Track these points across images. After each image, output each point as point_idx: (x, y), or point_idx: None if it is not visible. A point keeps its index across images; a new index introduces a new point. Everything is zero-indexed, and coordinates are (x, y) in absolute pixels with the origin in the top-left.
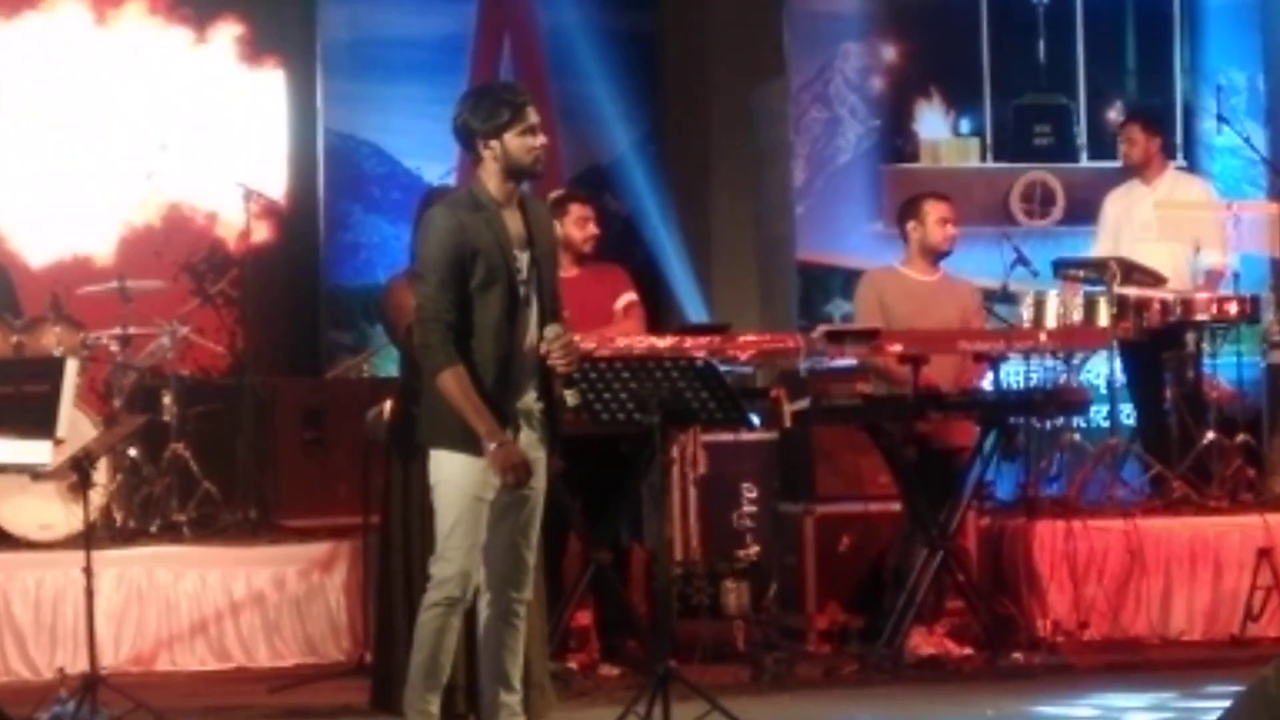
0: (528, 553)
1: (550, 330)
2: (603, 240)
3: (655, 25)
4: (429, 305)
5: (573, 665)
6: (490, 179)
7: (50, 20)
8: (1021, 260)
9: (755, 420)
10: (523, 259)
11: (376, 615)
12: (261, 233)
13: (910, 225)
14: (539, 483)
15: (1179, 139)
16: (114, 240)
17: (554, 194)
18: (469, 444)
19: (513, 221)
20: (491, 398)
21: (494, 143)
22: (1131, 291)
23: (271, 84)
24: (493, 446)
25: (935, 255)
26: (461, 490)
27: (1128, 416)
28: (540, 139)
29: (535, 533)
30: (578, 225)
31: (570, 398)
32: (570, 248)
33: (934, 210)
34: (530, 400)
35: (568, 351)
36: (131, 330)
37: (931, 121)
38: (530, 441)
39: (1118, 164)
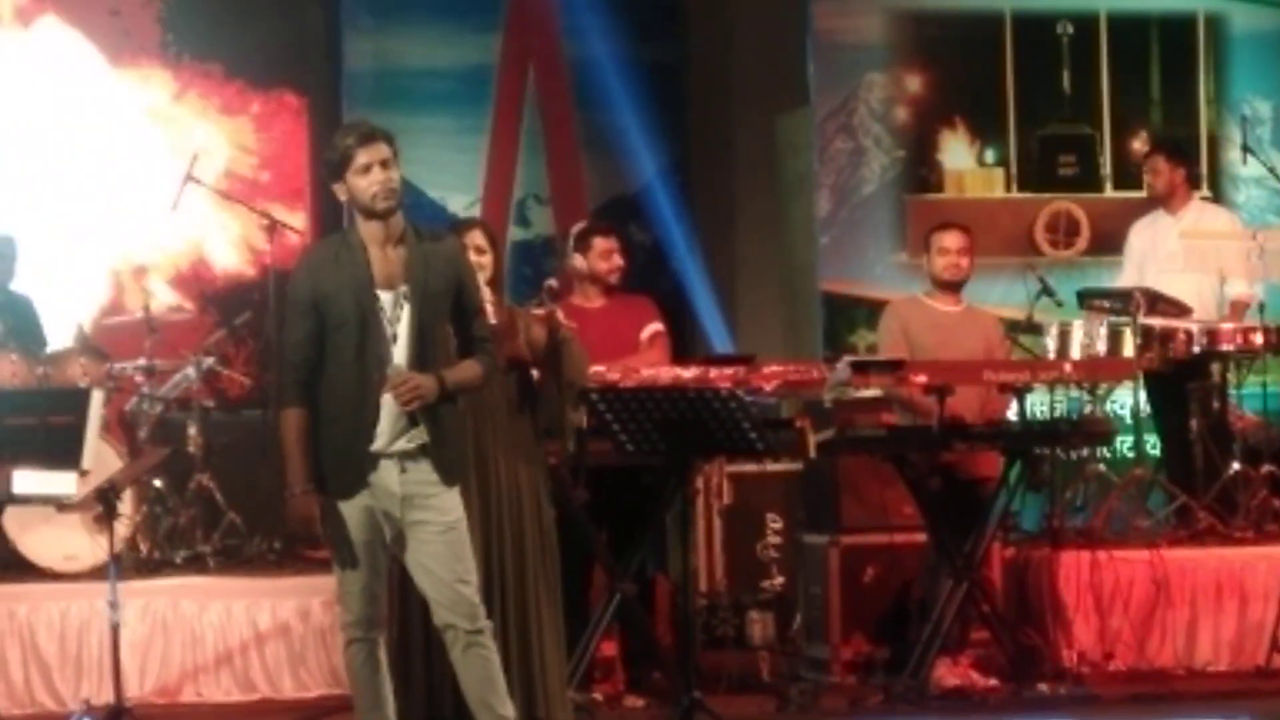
0: (464, 585)
1: (390, 369)
2: (628, 270)
3: (680, 56)
4: (281, 346)
5: (598, 696)
6: (358, 217)
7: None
8: (1046, 291)
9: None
10: (386, 299)
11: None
12: (286, 264)
13: (926, 256)
14: (450, 516)
15: (1204, 169)
16: (138, 272)
17: (576, 227)
18: (333, 487)
19: (383, 261)
20: (344, 439)
21: (341, 184)
22: (1157, 322)
23: (295, 114)
24: (289, 493)
25: (941, 285)
26: (343, 536)
27: (1153, 447)
28: (378, 176)
29: (467, 565)
30: (602, 258)
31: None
32: (596, 280)
33: (936, 240)
34: (404, 443)
35: (400, 394)
36: (156, 361)
37: (956, 152)
38: (419, 479)
39: (1142, 194)
